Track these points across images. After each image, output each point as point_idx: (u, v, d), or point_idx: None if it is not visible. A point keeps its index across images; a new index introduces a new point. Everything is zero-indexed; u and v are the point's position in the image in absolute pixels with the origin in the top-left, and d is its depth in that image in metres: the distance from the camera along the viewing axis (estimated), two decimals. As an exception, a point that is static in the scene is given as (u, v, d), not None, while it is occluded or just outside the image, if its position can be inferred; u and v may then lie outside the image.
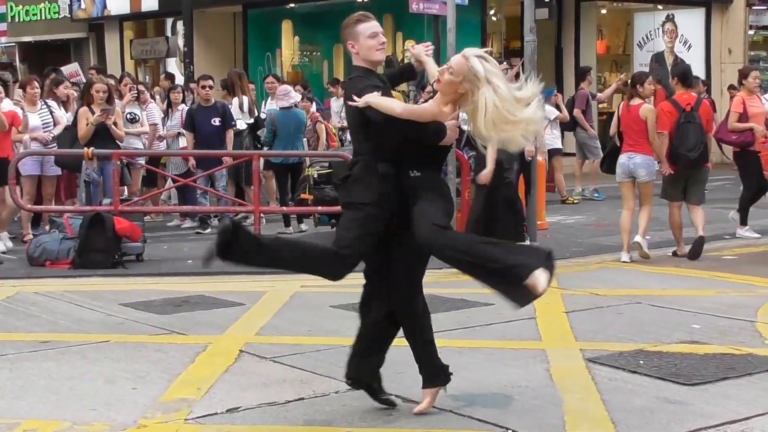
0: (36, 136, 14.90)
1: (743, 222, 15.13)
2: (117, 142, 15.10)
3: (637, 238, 13.33)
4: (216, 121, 16.40)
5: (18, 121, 14.41)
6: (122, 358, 8.62)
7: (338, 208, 13.20)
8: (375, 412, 7.07)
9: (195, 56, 23.88)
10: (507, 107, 6.64)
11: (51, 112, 15.68)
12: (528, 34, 14.91)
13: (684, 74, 14.69)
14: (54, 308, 10.67)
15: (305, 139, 16.96)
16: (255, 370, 8.19)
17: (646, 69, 24.67)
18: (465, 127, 15.36)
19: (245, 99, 17.85)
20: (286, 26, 27.39)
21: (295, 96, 16.84)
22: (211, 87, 16.81)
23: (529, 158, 14.19)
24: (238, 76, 19.12)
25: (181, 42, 25.03)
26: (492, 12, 24.86)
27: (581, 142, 20.10)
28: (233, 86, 18.38)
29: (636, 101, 13.79)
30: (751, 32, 27.85)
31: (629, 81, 15.56)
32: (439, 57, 15.98)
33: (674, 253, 13.83)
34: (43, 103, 15.69)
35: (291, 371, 8.12)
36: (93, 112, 14.66)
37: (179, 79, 23.70)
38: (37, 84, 16.02)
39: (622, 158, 13.58)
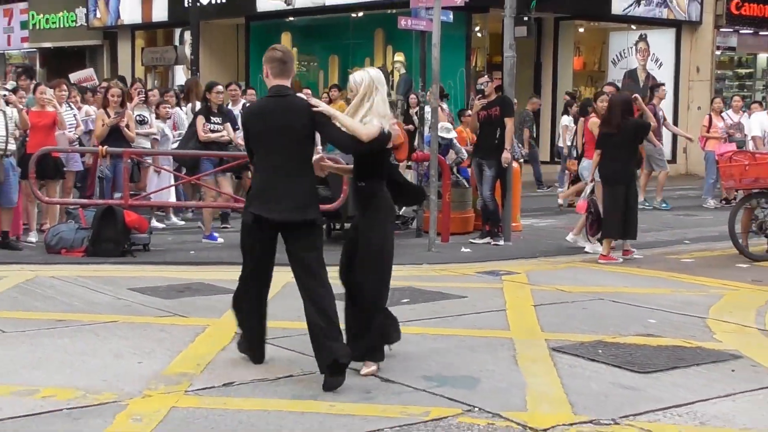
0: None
1: None
2: (129, 142, 15.11)
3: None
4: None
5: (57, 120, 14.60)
6: (130, 336, 8.76)
7: (329, 206, 13.48)
8: (356, 391, 7.20)
9: (201, 64, 23.98)
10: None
11: (74, 114, 15.87)
12: (507, 50, 15.02)
13: None
14: (68, 291, 10.78)
15: None
16: (249, 349, 8.35)
17: (620, 84, 24.83)
18: (448, 135, 15.67)
19: (198, 104, 17.31)
20: (286, 38, 27.38)
21: None
22: (220, 92, 16.90)
23: (506, 165, 14.41)
24: (195, 83, 19.04)
25: (188, 51, 25.04)
26: (477, 29, 24.93)
27: (648, 155, 19.77)
28: (189, 92, 18.27)
29: (591, 115, 14.18)
30: (718, 53, 27.96)
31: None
32: (425, 70, 16.15)
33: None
34: (67, 104, 15.85)
35: (281, 351, 8.28)
36: (108, 115, 14.77)
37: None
38: (65, 86, 16.16)
39: None
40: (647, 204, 19.66)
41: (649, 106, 18.96)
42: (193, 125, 15.16)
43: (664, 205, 20.16)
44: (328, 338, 7.42)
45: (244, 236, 8.16)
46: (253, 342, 8.12)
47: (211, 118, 14.86)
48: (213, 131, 14.79)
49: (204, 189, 15.55)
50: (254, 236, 7.99)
